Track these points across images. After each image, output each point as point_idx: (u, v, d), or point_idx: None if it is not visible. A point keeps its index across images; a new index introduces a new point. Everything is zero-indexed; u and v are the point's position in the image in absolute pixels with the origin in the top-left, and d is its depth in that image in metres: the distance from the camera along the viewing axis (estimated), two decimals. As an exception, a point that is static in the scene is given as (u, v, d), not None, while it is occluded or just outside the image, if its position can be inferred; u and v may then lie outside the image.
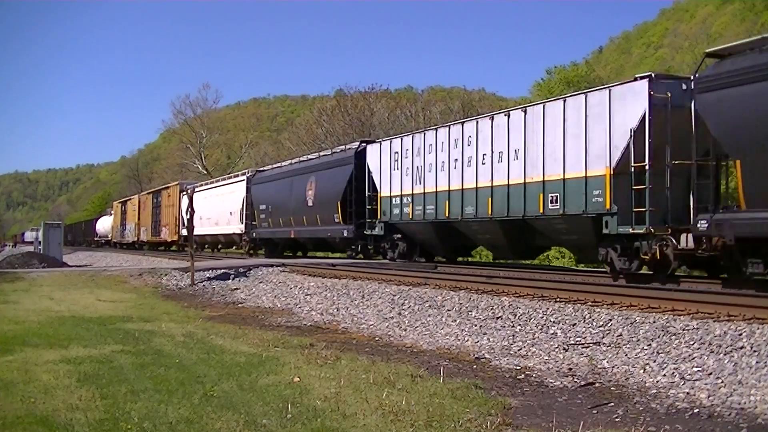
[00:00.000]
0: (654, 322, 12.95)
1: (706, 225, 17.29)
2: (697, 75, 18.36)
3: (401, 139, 31.95)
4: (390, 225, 32.38)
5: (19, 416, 8.21)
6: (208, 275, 28.79)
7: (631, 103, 20.08)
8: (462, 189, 27.11)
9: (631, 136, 19.87)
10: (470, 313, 16.42)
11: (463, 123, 28.20)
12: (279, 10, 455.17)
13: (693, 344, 11.35)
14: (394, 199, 31.80)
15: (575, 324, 13.97)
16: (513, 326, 14.73)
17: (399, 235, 32.45)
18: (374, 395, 9.16)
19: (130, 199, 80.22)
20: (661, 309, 14.06)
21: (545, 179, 23.10)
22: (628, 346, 12.00)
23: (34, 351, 12.42)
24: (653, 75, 20.11)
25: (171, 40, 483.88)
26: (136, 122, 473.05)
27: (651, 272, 20.43)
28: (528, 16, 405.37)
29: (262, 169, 50.46)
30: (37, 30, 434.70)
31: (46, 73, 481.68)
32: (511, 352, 12.72)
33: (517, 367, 11.48)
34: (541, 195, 23.16)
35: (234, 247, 51.81)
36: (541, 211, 23.17)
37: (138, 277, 29.45)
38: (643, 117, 19.60)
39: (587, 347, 12.33)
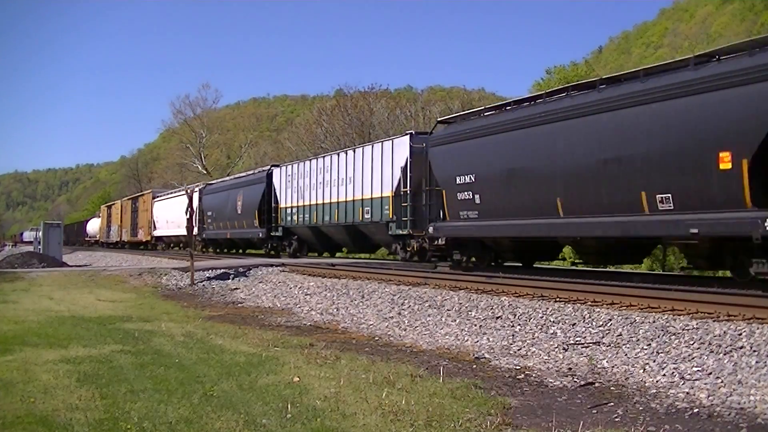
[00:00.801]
0: (654, 321, 12.95)
1: (432, 230, 27.28)
2: (430, 134, 29.62)
3: (293, 166, 43.42)
4: (286, 229, 43.19)
5: (18, 416, 8.21)
6: (207, 275, 28.81)
7: (402, 150, 31.55)
8: (323, 203, 38.51)
9: (401, 171, 31.38)
10: (470, 312, 16.43)
11: (324, 157, 40.07)
12: (279, 10, 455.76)
13: (693, 344, 11.35)
14: (288, 210, 42.72)
15: (575, 324, 13.97)
16: (513, 326, 14.74)
17: (294, 236, 42.88)
18: (374, 395, 9.16)
19: (114, 204, 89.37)
20: (661, 309, 14.06)
21: (363, 198, 34.45)
22: (627, 345, 12.00)
23: (34, 351, 12.42)
24: (413, 132, 33.07)
25: (171, 40, 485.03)
26: (135, 122, 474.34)
27: (417, 259, 31.14)
28: (528, 16, 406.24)
29: (210, 182, 61.08)
30: (37, 29, 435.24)
31: (46, 72, 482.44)
32: (511, 352, 12.72)
33: (517, 367, 11.48)
34: (361, 208, 34.56)
35: (186, 246, 55.58)
36: (361, 219, 34.61)
37: (138, 277, 29.46)
38: (407, 159, 31.05)
39: (587, 347, 12.34)
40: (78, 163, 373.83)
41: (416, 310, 17.62)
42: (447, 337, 14.61)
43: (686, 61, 18.66)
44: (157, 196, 66.84)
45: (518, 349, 12.89)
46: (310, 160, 41.40)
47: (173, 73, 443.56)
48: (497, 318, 15.57)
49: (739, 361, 10.24)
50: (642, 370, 10.59)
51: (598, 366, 11.09)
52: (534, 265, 27.58)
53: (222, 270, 29.66)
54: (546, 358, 12.04)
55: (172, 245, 63.51)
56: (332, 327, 16.81)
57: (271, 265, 30.29)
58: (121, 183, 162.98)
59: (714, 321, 12.40)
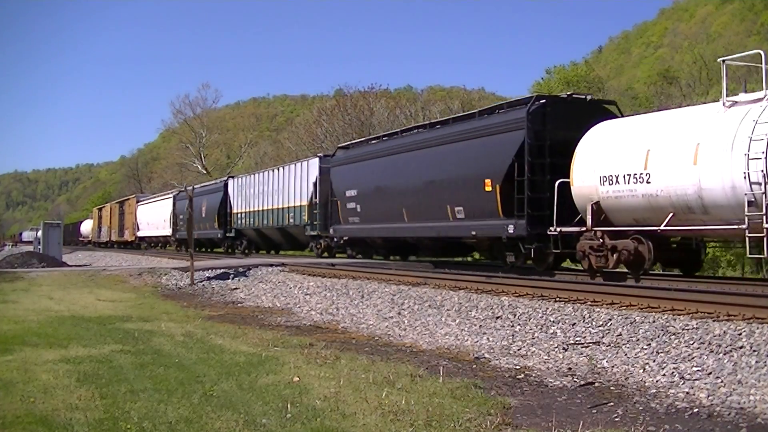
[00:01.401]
0: (653, 321, 12.95)
1: (332, 231, 36.04)
2: (333, 156, 38.24)
3: (243, 178, 51.77)
4: (238, 230, 51.09)
5: (18, 416, 8.21)
6: (207, 275, 28.81)
7: (313, 169, 39.35)
8: (263, 210, 45.99)
9: (313, 186, 39.07)
10: (470, 312, 16.43)
11: (264, 171, 48.83)
12: (278, 10, 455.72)
13: (692, 344, 11.35)
14: (239, 214, 50.52)
15: (575, 324, 13.97)
16: (512, 326, 14.74)
17: (244, 237, 50.98)
18: (374, 395, 9.17)
19: (104, 207, 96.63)
20: (661, 308, 14.06)
21: (288, 206, 42.10)
22: (627, 345, 12.00)
23: (34, 350, 12.42)
24: (322, 155, 40.54)
25: (171, 40, 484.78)
26: (135, 122, 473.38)
27: (326, 254, 39.58)
28: (528, 16, 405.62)
29: (182, 190, 60.40)
30: (37, 29, 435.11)
31: (46, 72, 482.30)
32: (511, 352, 12.72)
33: (517, 367, 11.49)
34: (288, 214, 42.16)
35: (167, 246, 66.67)
36: (288, 223, 42.25)
37: (137, 277, 29.46)
38: (317, 176, 38.88)
39: (587, 347, 12.34)
40: (78, 162, 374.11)
41: (416, 310, 17.62)
42: (447, 337, 14.61)
43: (473, 114, 27.92)
44: (141, 201, 74.84)
45: (518, 349, 12.90)
46: (255, 173, 50.60)
47: (173, 72, 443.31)
48: (497, 318, 15.57)
49: (738, 361, 10.24)
50: (642, 370, 10.60)
51: (598, 366, 11.09)
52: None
53: (222, 270, 29.66)
54: (546, 357, 12.05)
55: (152, 244, 70.74)
56: (332, 327, 16.82)
57: (271, 265, 30.29)
58: (121, 183, 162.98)
59: (714, 321, 12.40)
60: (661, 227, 18.92)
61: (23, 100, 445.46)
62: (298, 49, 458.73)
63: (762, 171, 16.19)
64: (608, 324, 13.47)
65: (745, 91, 18.54)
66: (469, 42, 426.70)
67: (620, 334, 12.71)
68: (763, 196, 16.11)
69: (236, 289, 25.76)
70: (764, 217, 16.09)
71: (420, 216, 28.67)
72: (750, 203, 16.42)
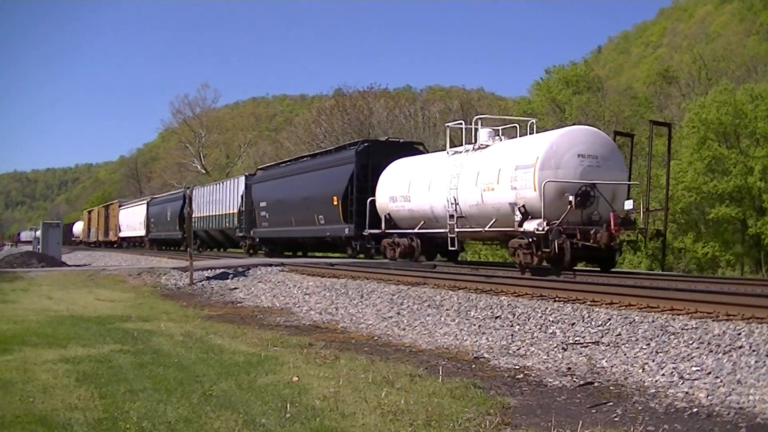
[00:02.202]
0: (653, 321, 12.95)
1: (252, 233, 45.19)
2: (254, 175, 48.56)
3: (198, 188, 60.28)
4: (194, 232, 51.26)
5: (17, 416, 8.21)
6: (206, 275, 28.81)
7: (241, 185, 48.12)
8: (210, 215, 55.21)
9: (241, 197, 47.76)
10: (469, 312, 16.43)
11: (213, 184, 58.33)
12: (278, 10, 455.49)
13: (692, 343, 11.34)
14: (199, 219, 55.71)
15: (574, 323, 13.98)
16: (512, 326, 14.74)
17: (199, 238, 57.02)
18: (373, 395, 9.17)
19: (93, 210, 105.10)
20: (660, 308, 14.05)
21: (226, 213, 51.42)
22: (626, 345, 12.00)
23: (33, 350, 12.42)
24: (247, 174, 49.43)
25: (170, 40, 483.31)
26: (134, 122, 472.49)
27: (252, 252, 47.44)
28: (527, 16, 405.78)
29: (155, 196, 77.17)
30: (36, 29, 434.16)
31: (45, 72, 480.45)
32: (510, 352, 12.72)
33: (516, 367, 11.48)
34: (225, 219, 51.62)
35: (142, 245, 73.67)
36: (226, 226, 51.42)
37: (137, 277, 29.48)
38: (243, 190, 47.55)
39: (586, 347, 12.34)
40: (77, 162, 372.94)
41: (415, 310, 17.62)
42: (446, 336, 14.61)
43: (330, 150, 41.45)
44: (122, 205, 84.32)
45: (517, 349, 12.89)
46: (205, 186, 60.98)
47: (172, 72, 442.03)
48: (496, 318, 15.57)
49: (738, 361, 10.24)
50: (641, 370, 10.60)
51: (598, 366, 11.09)
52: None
53: (221, 270, 29.66)
54: (545, 357, 12.04)
55: (131, 244, 78.86)
56: (331, 327, 16.82)
57: (270, 265, 30.28)
58: (120, 183, 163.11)
59: (713, 320, 12.39)
60: (416, 230, 30.22)
61: (22, 100, 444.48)
62: (298, 49, 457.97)
63: (454, 197, 26.95)
64: (607, 324, 13.47)
65: (463, 143, 29.42)
66: (468, 42, 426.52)
67: (619, 334, 12.71)
68: (455, 212, 26.92)
69: (235, 288, 25.77)
70: (453, 225, 27.05)
71: (300, 222, 39.65)
72: (450, 216, 27.13)
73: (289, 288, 24.32)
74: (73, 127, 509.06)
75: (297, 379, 10.17)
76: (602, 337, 12.84)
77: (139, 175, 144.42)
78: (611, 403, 9.05)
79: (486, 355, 12.47)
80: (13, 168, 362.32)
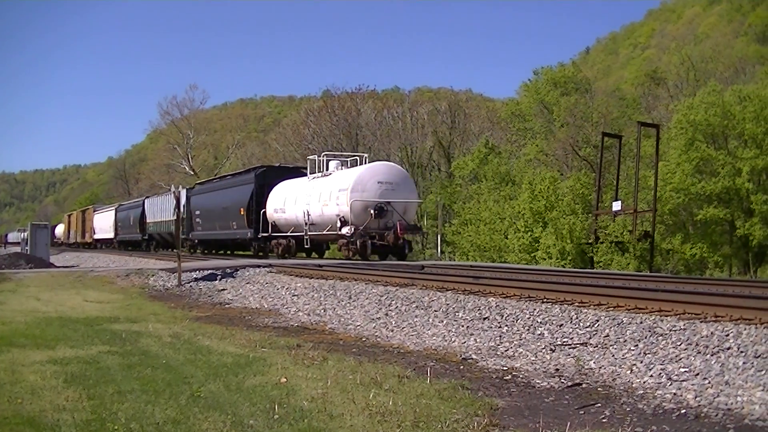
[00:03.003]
0: (641, 322, 12.96)
1: (190, 236, 54.08)
2: (193, 188, 58.86)
3: (153, 198, 68.02)
4: (149, 234, 66.41)
5: (5, 417, 8.20)
6: (195, 276, 28.76)
7: (183, 196, 47.96)
8: (160, 221, 61.73)
9: (183, 206, 44.72)
10: (457, 313, 16.43)
11: (162, 195, 63.99)
12: (266, 11, 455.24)
13: (680, 345, 11.36)
14: (150, 224, 65.97)
15: (562, 324, 13.99)
16: (500, 327, 14.74)
17: (154, 239, 65.73)
18: (361, 396, 9.17)
19: (72, 214, 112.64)
20: (648, 309, 14.07)
21: (161, 221, 60.16)
22: (615, 346, 12.01)
23: (21, 352, 12.40)
24: (188, 188, 57.32)
25: (158, 41, 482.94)
26: (123, 123, 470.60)
27: (193, 251, 54.53)
28: (515, 17, 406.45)
29: (121, 203, 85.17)
30: (24, 30, 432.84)
31: (33, 73, 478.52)
32: (498, 353, 12.73)
33: (504, 368, 11.50)
34: (172, 224, 49.12)
35: (112, 246, 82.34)
36: (172, 229, 47.38)
37: (125, 278, 29.42)
38: (184, 200, 49.99)
39: (574, 348, 12.35)
40: (65, 164, 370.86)
41: (403, 311, 17.62)
42: (434, 338, 14.62)
43: (241, 172, 51.58)
44: (96, 210, 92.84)
45: (505, 350, 12.91)
46: (157, 196, 67.59)
47: (161, 73, 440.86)
48: (484, 319, 15.57)
49: (726, 362, 10.26)
50: (629, 371, 10.61)
51: (586, 367, 11.10)
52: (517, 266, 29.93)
53: (209, 271, 29.61)
54: (533, 359, 12.06)
55: (104, 245, 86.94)
56: (319, 328, 16.83)
57: (259, 266, 30.24)
58: (109, 184, 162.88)
59: (701, 322, 12.41)
60: (289, 233, 40.78)
61: (10, 101, 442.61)
62: (286, 50, 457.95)
63: (307, 210, 38.07)
64: (595, 325, 13.48)
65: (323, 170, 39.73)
66: (456, 43, 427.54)
67: (608, 335, 12.73)
68: (307, 220, 37.84)
69: (224, 290, 25.74)
70: (306, 230, 38.13)
71: (221, 227, 49.03)
72: (305, 223, 37.86)
73: (278, 289, 24.29)
74: (62, 128, 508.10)
75: (285, 380, 10.16)
76: (590, 338, 12.85)
77: (128, 177, 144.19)
78: (599, 405, 9.06)
79: (474, 357, 12.49)
80: (1, 169, 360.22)
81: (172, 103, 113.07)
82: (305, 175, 41.92)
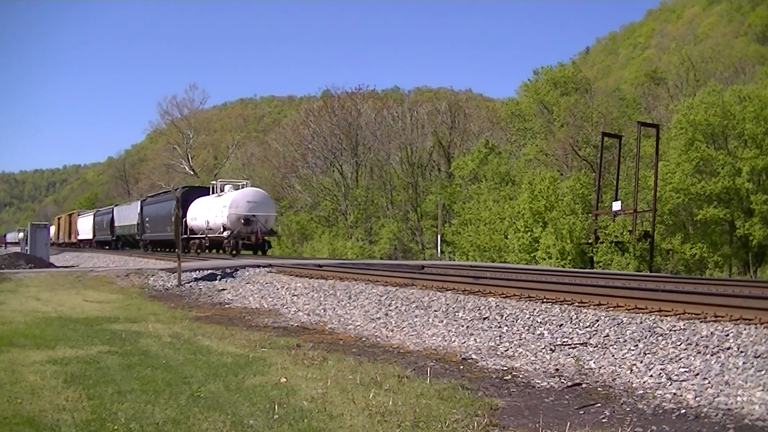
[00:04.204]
0: (641, 322, 12.97)
1: (143, 237, 64.90)
2: (146, 200, 68.16)
3: (121, 206, 78.44)
4: (117, 235, 75.27)
5: (5, 417, 8.19)
6: (194, 276, 28.73)
7: (139, 205, 66.86)
8: (125, 224, 70.31)
9: (137, 214, 66.03)
10: (457, 313, 16.43)
11: (125, 204, 78.24)
12: (266, 12, 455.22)
13: (680, 345, 11.37)
14: (117, 227, 74.82)
15: (562, 324, 13.99)
16: (500, 327, 14.74)
17: (121, 239, 74.25)
18: (361, 396, 9.16)
19: (61, 217, 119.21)
20: (648, 309, 14.08)
21: (130, 224, 68.30)
22: (614, 346, 12.01)
23: (21, 351, 12.39)
24: (144, 198, 71.95)
25: (158, 41, 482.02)
26: (123, 123, 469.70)
27: (145, 249, 64.72)
28: (516, 17, 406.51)
29: (98, 210, 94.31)
30: (24, 29, 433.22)
31: (32, 73, 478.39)
32: (498, 353, 12.73)
33: (504, 368, 11.49)
34: (132, 227, 66.75)
35: (91, 246, 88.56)
36: (133, 231, 66.68)
37: (125, 278, 29.38)
38: (139, 209, 65.40)
39: (574, 348, 12.35)
40: (65, 164, 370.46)
41: (403, 311, 17.61)
42: (434, 338, 14.62)
43: (177, 188, 53.10)
44: (80, 215, 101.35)
45: (505, 350, 12.91)
46: (123, 204, 79.97)
47: (160, 73, 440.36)
48: (484, 319, 15.57)
49: (726, 362, 10.27)
50: (629, 371, 10.61)
51: (585, 367, 11.10)
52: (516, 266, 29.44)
53: (209, 271, 29.57)
54: (533, 359, 12.06)
55: (85, 245, 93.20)
56: (319, 328, 16.81)
57: (258, 266, 30.22)
58: (108, 184, 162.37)
59: (701, 322, 12.42)
60: (199, 236, 50.10)
61: (10, 101, 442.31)
62: (286, 50, 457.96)
63: (208, 219, 48.70)
64: (595, 325, 13.49)
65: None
66: (456, 43, 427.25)
67: (607, 335, 12.73)
68: (207, 226, 48.80)
69: (223, 290, 25.72)
70: (206, 233, 49.23)
71: (161, 230, 56.94)
72: (206, 229, 49.46)
73: (277, 289, 24.28)
74: (62, 129, 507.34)
75: (285, 380, 10.16)
76: (590, 338, 12.85)
77: (127, 177, 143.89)
78: (599, 405, 9.06)
79: (474, 357, 12.48)
80: (1, 169, 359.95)
81: (172, 103, 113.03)
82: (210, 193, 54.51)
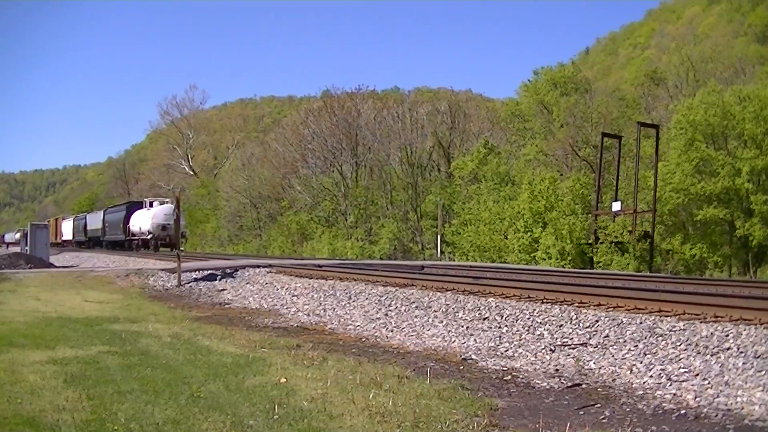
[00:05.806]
0: (641, 323, 12.98)
1: (105, 238, 79.56)
2: (107, 210, 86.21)
3: (92, 213, 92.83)
4: (88, 237, 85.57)
5: (5, 417, 8.18)
6: (194, 276, 28.73)
7: (101, 213, 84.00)
8: (95, 228, 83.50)
9: (100, 220, 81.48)
10: (457, 314, 16.44)
11: (94, 212, 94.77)
12: (266, 11, 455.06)
13: (680, 345, 11.37)
14: (89, 230, 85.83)
15: (562, 325, 13.99)
16: (500, 327, 14.74)
17: (91, 240, 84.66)
18: (361, 396, 9.16)
19: (50, 220, 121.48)
20: (648, 310, 14.09)
21: (98, 227, 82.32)
22: (614, 347, 12.02)
23: (21, 352, 12.38)
24: (105, 209, 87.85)
25: (158, 41, 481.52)
26: (123, 123, 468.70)
27: (110, 247, 77.95)
28: (515, 17, 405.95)
29: (77, 215, 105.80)
30: (24, 30, 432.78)
31: (32, 73, 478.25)
32: (498, 353, 12.73)
33: (504, 368, 11.49)
34: (98, 231, 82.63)
35: (71, 245, 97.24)
36: (100, 234, 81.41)
37: (125, 278, 29.38)
38: (102, 216, 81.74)
39: (574, 348, 12.35)
40: (65, 164, 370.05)
41: (403, 312, 17.62)
42: (434, 338, 14.61)
43: (125, 203, 79.30)
44: (64, 219, 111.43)
45: (505, 351, 12.90)
46: (93, 212, 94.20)
47: (160, 74, 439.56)
48: (484, 319, 15.58)
49: (726, 363, 10.27)
50: (629, 372, 10.62)
51: (585, 367, 11.11)
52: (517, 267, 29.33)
53: (209, 271, 29.58)
54: (533, 359, 12.06)
55: (67, 245, 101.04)
56: (319, 328, 16.81)
57: (258, 266, 30.23)
58: (108, 184, 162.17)
59: (701, 322, 12.43)
60: (137, 237, 67.03)
61: (10, 101, 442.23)
62: (285, 51, 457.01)
63: (141, 226, 65.88)
64: (595, 325, 13.50)
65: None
66: (456, 43, 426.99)
67: (607, 336, 12.74)
68: (140, 231, 65.60)
69: (223, 290, 25.73)
70: (140, 236, 65.97)
71: (116, 234, 71.05)
72: (139, 233, 66.87)
73: (277, 289, 24.29)
74: (62, 129, 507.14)
75: (285, 380, 10.15)
76: (590, 338, 12.86)
77: (127, 177, 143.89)
78: (599, 405, 9.07)
79: (474, 357, 12.48)
80: (1, 169, 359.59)
81: (172, 103, 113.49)
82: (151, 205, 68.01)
